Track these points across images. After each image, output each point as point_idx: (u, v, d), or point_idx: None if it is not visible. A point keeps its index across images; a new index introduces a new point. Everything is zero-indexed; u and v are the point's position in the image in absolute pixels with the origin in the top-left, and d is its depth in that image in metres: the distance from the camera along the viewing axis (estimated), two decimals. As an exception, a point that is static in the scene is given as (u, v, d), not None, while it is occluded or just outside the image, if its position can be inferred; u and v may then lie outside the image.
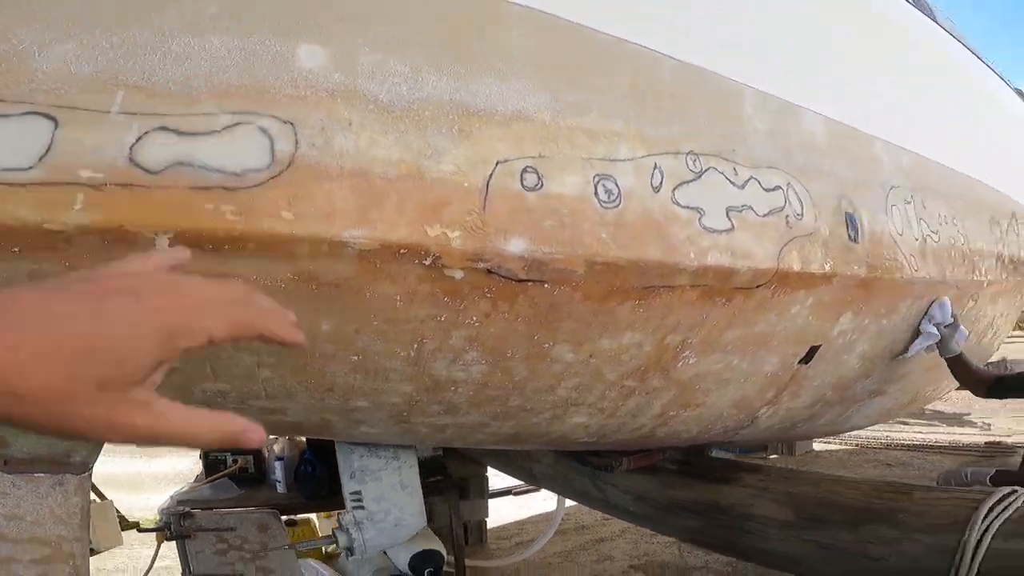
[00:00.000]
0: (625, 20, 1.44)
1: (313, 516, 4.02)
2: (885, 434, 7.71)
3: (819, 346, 2.13)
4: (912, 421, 8.47)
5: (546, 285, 1.23)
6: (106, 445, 1.28)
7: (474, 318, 1.23)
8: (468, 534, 4.56)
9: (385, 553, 3.06)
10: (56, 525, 1.17)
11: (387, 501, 1.96)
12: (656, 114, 1.45)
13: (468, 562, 4.15)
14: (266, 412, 1.42)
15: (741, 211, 1.58)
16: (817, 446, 7.00)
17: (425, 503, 4.01)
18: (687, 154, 1.48)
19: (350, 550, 1.93)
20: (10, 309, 0.41)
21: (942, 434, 7.48)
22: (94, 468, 1.35)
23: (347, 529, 1.91)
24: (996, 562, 1.84)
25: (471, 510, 4.53)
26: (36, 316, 0.41)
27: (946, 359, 2.64)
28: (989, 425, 7.93)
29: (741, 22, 1.81)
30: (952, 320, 2.54)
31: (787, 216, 1.71)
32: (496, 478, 4.84)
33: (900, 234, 2.23)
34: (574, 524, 4.79)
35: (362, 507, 1.92)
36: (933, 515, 2.01)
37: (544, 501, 4.95)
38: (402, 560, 3.14)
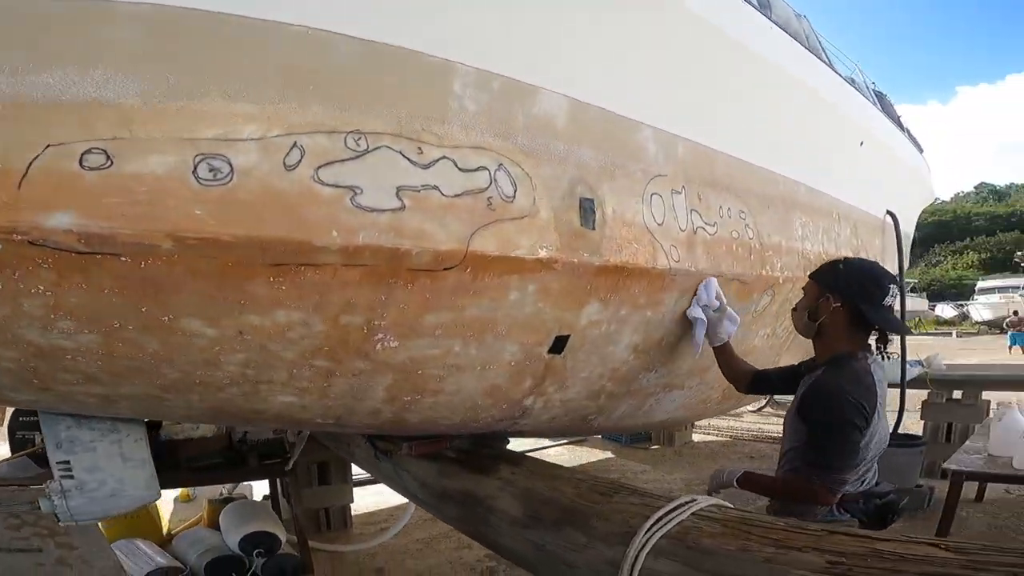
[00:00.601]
0: (285, 4, 1.35)
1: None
2: (759, 426, 7.97)
3: (567, 336, 2.05)
4: (781, 414, 8.78)
5: (124, 259, 1.18)
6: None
7: (40, 287, 1.18)
8: (330, 519, 4.46)
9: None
10: None
11: (103, 472, 1.86)
12: (313, 93, 1.36)
13: (328, 547, 4.05)
14: None
15: (420, 191, 1.48)
16: (696, 437, 7.16)
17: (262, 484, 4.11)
18: (349, 133, 1.38)
19: (56, 516, 1.84)
20: None
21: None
22: None
23: (51, 496, 1.82)
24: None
25: (334, 495, 4.44)
26: None
27: (713, 348, 2.53)
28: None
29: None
30: (719, 304, 2.42)
31: (490, 198, 1.61)
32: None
33: (660, 224, 2.16)
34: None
35: (71, 476, 1.82)
36: (614, 523, 1.75)
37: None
38: (232, 541, 3.17)
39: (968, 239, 55.34)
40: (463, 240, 1.56)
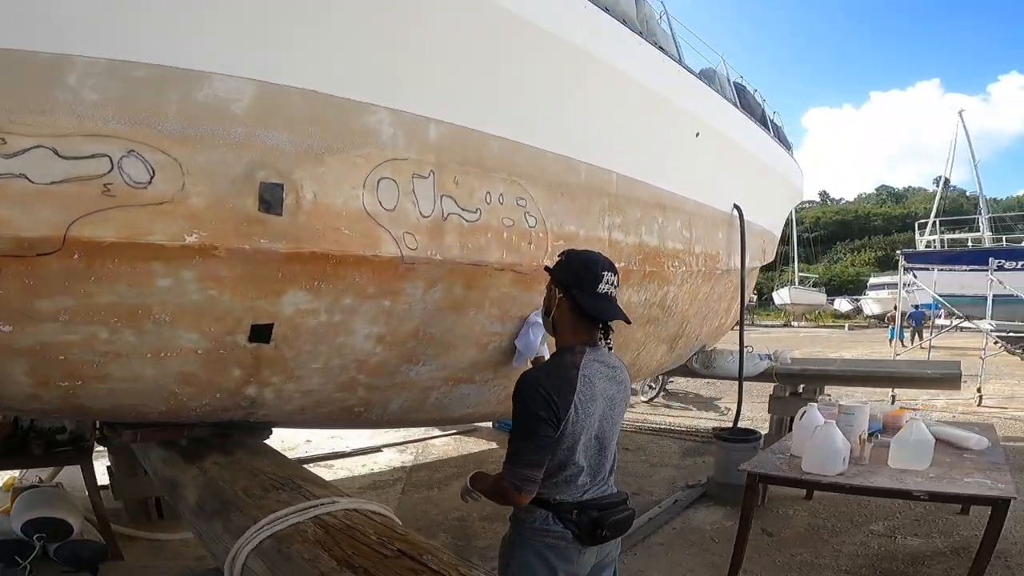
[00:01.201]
0: None
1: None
2: (644, 417, 8.01)
3: (269, 324, 1.84)
4: (676, 405, 8.92)
5: None
6: None
7: None
8: (163, 508, 4.02)
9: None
10: None
11: None
12: None
13: (144, 534, 3.66)
14: None
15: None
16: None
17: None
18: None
19: None
20: None
21: (689, 418, 7.86)
22: None
23: None
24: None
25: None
26: None
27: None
28: (729, 409, 8.47)
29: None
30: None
31: (108, 184, 1.38)
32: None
33: (389, 209, 1.95)
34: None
35: None
36: (248, 518, 1.63)
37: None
38: (16, 525, 2.99)
39: (867, 238, 59.00)
40: (59, 227, 1.33)
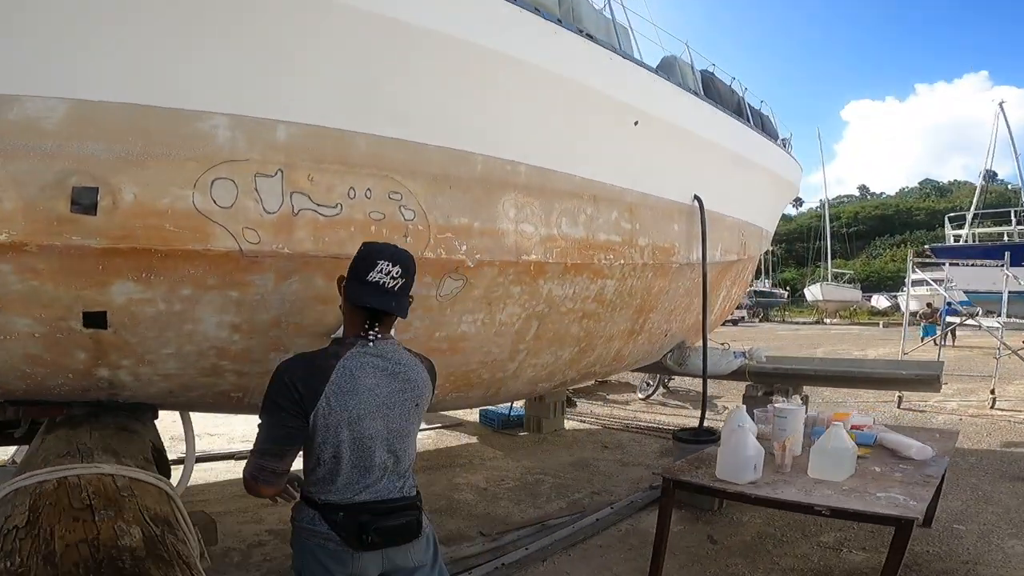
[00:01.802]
0: None
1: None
2: (634, 415, 7.77)
3: (102, 312, 1.89)
4: (673, 403, 8.62)
5: None
6: None
7: None
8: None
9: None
10: None
11: None
12: None
13: None
14: None
15: None
16: (569, 424, 6.93)
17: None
18: None
19: None
20: None
21: (682, 417, 7.56)
22: None
23: None
24: None
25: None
26: None
27: None
28: (726, 407, 8.12)
29: None
30: None
31: None
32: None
33: (226, 207, 1.94)
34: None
35: None
36: None
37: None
38: None
39: (908, 233, 56.07)
40: None
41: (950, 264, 11.56)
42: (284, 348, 2.27)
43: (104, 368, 2.04)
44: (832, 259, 41.77)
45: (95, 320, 1.88)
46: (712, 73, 5.28)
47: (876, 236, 58.45)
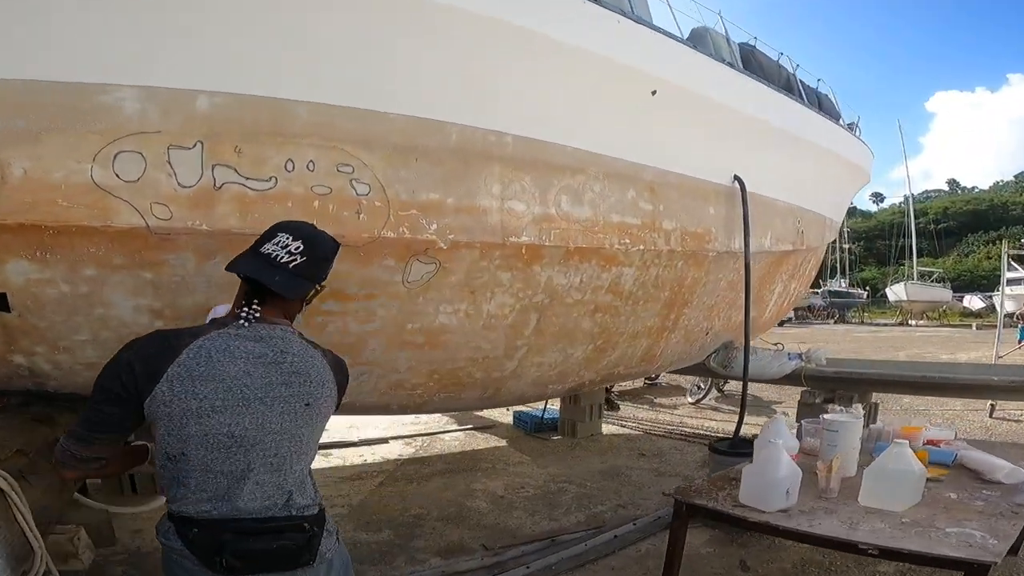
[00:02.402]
0: None
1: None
2: (681, 420, 7.08)
3: (3, 294, 1.73)
4: (725, 408, 7.84)
5: None
6: None
7: None
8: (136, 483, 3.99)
9: None
10: None
11: None
12: None
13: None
14: None
15: None
16: (607, 428, 6.39)
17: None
18: None
19: None
20: None
21: (734, 423, 6.82)
22: None
23: None
24: None
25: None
26: None
27: None
28: (786, 415, 7.23)
29: None
30: None
31: None
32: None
33: (132, 181, 1.69)
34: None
35: None
36: None
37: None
38: None
39: (1004, 229, 50.24)
40: None
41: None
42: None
43: (19, 355, 1.85)
44: (918, 257, 38.14)
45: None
46: (753, 47, 4.63)
47: (968, 232, 52.82)
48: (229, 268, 1.39)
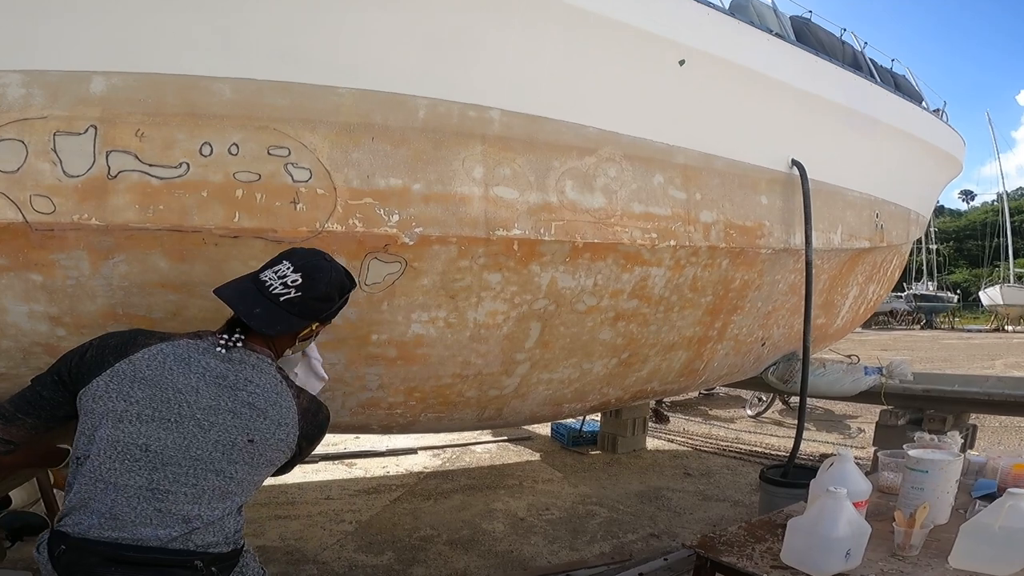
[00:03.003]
0: None
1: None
2: (737, 435, 6.28)
3: None
4: (790, 423, 6.93)
5: None
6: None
7: None
8: None
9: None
10: None
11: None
12: None
13: None
14: None
15: None
16: (652, 443, 5.76)
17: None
18: None
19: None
20: None
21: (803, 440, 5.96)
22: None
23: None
24: None
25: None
26: None
27: None
28: (861, 431, 6.26)
29: None
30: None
31: None
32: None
33: (10, 172, 1.41)
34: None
35: None
36: None
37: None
38: None
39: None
40: None
41: None
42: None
43: None
44: (1015, 258, 33.97)
45: None
46: (807, 20, 3.89)
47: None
48: (216, 290, 1.31)
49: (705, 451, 5.55)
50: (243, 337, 1.28)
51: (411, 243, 1.81)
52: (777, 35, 3.17)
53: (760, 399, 7.21)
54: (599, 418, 5.65)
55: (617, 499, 4.15)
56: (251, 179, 1.59)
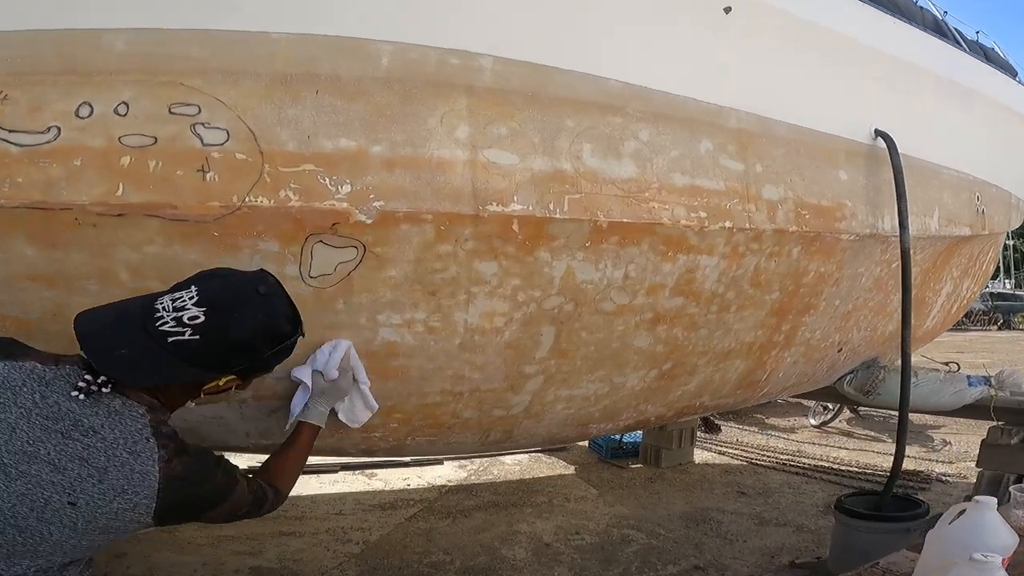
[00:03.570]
0: None
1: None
2: (799, 447, 5.48)
3: None
4: (860, 433, 6.06)
5: None
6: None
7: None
8: None
9: None
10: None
11: None
12: None
13: None
14: None
15: None
16: (700, 456, 5.10)
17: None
18: None
19: None
20: None
21: (873, 454, 5.12)
22: None
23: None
24: None
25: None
26: None
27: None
28: (947, 443, 5.32)
29: None
30: (337, 375, 1.42)
31: None
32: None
33: None
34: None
35: None
36: None
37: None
38: None
39: None
40: None
41: None
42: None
43: None
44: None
45: None
46: None
47: None
48: (79, 315, 0.99)
49: (762, 466, 4.84)
50: (112, 383, 0.95)
51: (369, 221, 1.34)
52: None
53: (825, 407, 6.34)
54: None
55: (658, 522, 3.56)
56: (143, 143, 1.18)
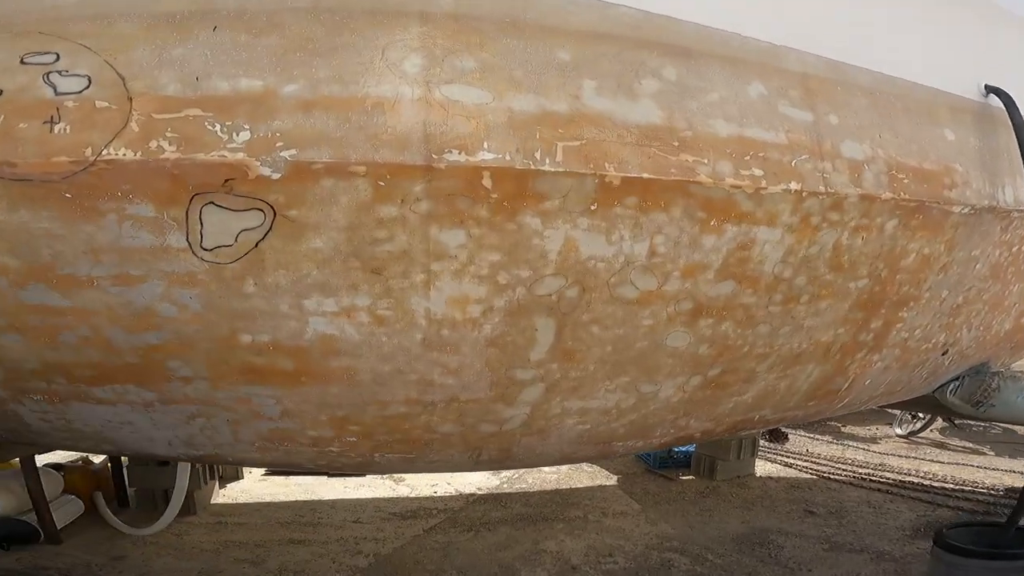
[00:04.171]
0: None
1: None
2: (882, 459, 4.65)
3: None
4: (955, 445, 5.13)
5: None
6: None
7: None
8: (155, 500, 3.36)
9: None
10: None
11: None
12: None
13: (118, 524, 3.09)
14: None
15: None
16: (762, 468, 4.46)
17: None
18: None
19: None
20: None
21: (971, 469, 4.29)
22: None
23: None
24: None
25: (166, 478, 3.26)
26: None
27: None
28: None
29: None
30: None
31: None
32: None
33: None
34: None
35: None
36: None
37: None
38: None
39: None
40: None
41: None
42: None
43: None
44: None
45: None
46: None
47: None
48: None
49: (836, 480, 4.15)
50: None
51: (276, 176, 0.97)
52: None
53: (914, 415, 5.46)
54: (694, 435, 4.48)
55: (707, 544, 3.03)
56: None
